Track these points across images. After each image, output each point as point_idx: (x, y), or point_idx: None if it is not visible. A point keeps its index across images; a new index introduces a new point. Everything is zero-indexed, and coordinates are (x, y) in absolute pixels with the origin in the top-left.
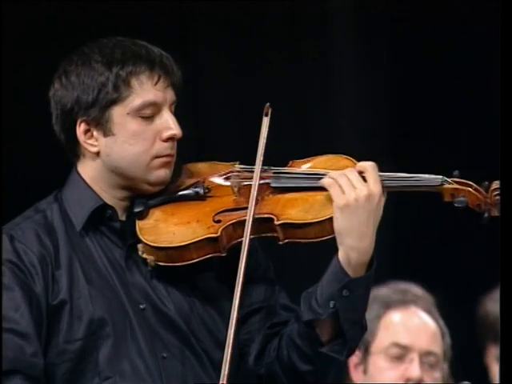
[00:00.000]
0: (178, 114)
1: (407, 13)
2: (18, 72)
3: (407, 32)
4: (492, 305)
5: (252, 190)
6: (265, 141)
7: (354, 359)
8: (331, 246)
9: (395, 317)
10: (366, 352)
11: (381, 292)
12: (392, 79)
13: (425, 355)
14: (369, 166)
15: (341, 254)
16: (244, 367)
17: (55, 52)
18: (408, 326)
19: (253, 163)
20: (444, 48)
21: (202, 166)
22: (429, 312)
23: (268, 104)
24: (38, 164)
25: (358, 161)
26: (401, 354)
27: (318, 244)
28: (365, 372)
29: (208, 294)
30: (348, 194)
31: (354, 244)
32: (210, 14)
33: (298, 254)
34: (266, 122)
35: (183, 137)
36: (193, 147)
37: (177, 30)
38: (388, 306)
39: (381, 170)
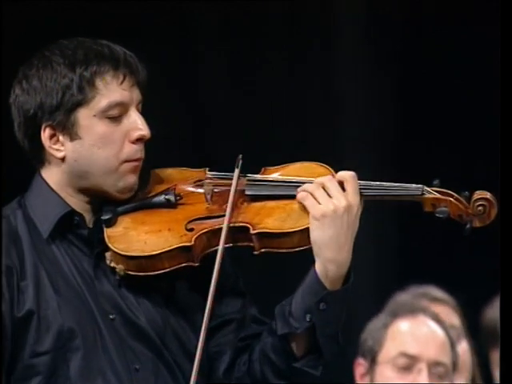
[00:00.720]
0: (177, 114)
1: (413, 13)
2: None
3: (411, 32)
4: (496, 312)
5: (230, 198)
6: (234, 190)
7: (360, 369)
8: (304, 257)
9: (403, 326)
10: (373, 362)
11: (401, 298)
12: (396, 80)
13: (433, 365)
14: (348, 176)
15: (318, 266)
16: (213, 380)
17: None
18: (416, 336)
19: (252, 164)
20: (452, 51)
21: (171, 172)
22: (438, 321)
23: (240, 156)
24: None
25: (345, 167)
26: (409, 364)
27: (291, 254)
28: (372, 382)
29: (180, 304)
30: (325, 204)
31: (332, 256)
32: (210, 13)
33: (268, 265)
34: (236, 173)
35: (152, 137)
36: (192, 148)
37: (177, 29)
38: (395, 314)
39: (382, 175)
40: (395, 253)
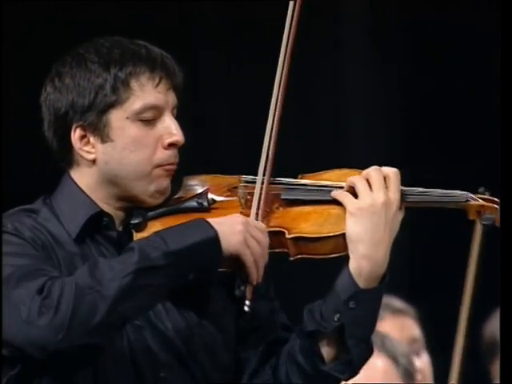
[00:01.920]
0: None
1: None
2: (18, 72)
3: (418, 35)
4: (495, 326)
5: (255, 197)
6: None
7: None
8: (337, 265)
9: None
10: None
11: None
12: (401, 81)
13: None
14: (391, 173)
15: (352, 263)
16: None
17: (55, 53)
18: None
19: (253, 167)
20: (452, 52)
21: (204, 178)
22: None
23: None
24: (35, 164)
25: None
26: None
27: (323, 262)
28: None
29: (209, 312)
30: (362, 198)
31: (367, 252)
32: (210, 13)
33: (301, 272)
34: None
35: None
36: (192, 150)
37: (177, 30)
38: None
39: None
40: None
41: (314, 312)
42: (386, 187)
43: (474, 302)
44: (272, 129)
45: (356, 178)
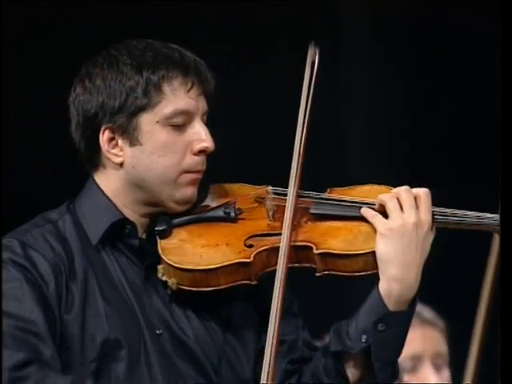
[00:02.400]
0: None
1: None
2: (18, 72)
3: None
4: None
5: (286, 212)
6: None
7: None
8: (364, 283)
9: None
10: None
11: None
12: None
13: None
14: (422, 193)
15: (382, 285)
16: None
17: (55, 53)
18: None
19: (253, 168)
20: (453, 52)
21: (231, 187)
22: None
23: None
24: (35, 164)
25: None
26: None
27: (351, 279)
28: None
29: (232, 324)
30: (393, 218)
31: (398, 275)
32: (210, 13)
33: (326, 288)
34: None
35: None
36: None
37: (176, 30)
38: None
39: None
40: None
41: (341, 332)
42: (417, 207)
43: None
44: (301, 141)
45: (386, 198)
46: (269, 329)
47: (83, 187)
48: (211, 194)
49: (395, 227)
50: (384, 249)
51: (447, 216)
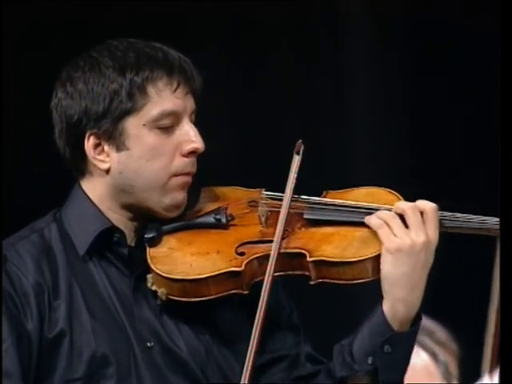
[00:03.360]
0: None
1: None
2: (18, 73)
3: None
4: None
5: (279, 220)
6: (294, 182)
7: None
8: (361, 290)
9: None
10: None
11: None
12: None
13: None
14: (430, 209)
15: (386, 305)
16: None
17: (55, 53)
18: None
19: (252, 171)
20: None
21: (223, 191)
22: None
23: (300, 141)
24: (35, 164)
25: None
26: None
27: (348, 287)
28: None
29: (225, 334)
30: (401, 237)
31: (403, 296)
32: (210, 13)
33: (322, 297)
34: (296, 161)
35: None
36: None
37: (176, 29)
38: None
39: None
40: None
41: (344, 353)
42: (424, 223)
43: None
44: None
45: (389, 216)
46: (253, 330)
47: (69, 195)
48: (202, 198)
49: (404, 248)
50: (391, 270)
51: (453, 220)
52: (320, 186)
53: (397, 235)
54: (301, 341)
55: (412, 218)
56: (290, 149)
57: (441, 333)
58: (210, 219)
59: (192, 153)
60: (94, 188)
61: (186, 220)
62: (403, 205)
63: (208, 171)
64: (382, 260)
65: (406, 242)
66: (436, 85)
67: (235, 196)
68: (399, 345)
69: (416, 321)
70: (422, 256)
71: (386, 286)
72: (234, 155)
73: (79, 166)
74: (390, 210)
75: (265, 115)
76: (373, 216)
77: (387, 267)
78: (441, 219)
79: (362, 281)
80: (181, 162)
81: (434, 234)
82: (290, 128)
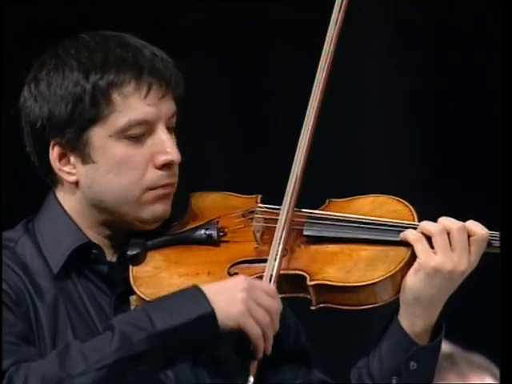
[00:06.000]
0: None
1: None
2: (18, 72)
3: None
4: None
5: (274, 239)
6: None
7: None
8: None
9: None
10: None
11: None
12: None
13: None
14: (480, 235)
15: (404, 320)
16: None
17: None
18: None
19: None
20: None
21: (214, 199)
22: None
23: None
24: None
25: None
26: None
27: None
28: None
29: (216, 361)
30: (442, 258)
31: (422, 314)
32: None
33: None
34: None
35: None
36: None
37: (176, 29)
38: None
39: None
40: None
41: (363, 377)
42: (469, 246)
43: None
44: (301, 156)
45: (435, 229)
46: None
47: (43, 204)
48: (191, 206)
49: (442, 270)
50: (419, 287)
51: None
52: (324, 195)
53: (438, 254)
54: (311, 366)
55: (459, 240)
56: (290, 150)
57: (478, 357)
58: (200, 234)
59: (166, 165)
60: (66, 200)
61: (173, 233)
62: (449, 222)
63: (205, 175)
64: (413, 274)
65: (446, 264)
66: (444, 87)
67: (228, 204)
68: (425, 359)
69: (437, 332)
70: (457, 281)
71: (407, 301)
72: (232, 156)
73: (48, 175)
74: (402, 225)
75: (264, 115)
76: (410, 230)
77: (416, 284)
78: (489, 239)
79: (370, 307)
80: (155, 175)
81: (475, 261)
82: (289, 127)
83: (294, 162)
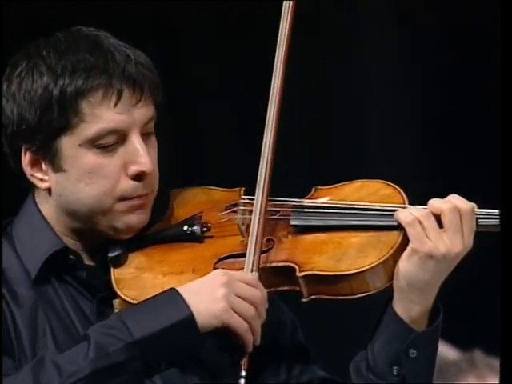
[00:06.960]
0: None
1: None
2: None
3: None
4: None
5: (253, 220)
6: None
7: None
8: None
9: None
10: None
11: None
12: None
13: None
14: (468, 211)
15: (399, 306)
16: None
17: None
18: None
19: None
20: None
21: (197, 193)
22: None
23: None
24: None
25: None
26: None
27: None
28: None
29: (205, 363)
30: (435, 242)
31: (417, 299)
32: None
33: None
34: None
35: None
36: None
37: (176, 29)
38: None
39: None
40: None
41: (362, 370)
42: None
43: None
44: (270, 135)
45: (424, 215)
46: None
47: (22, 206)
48: (173, 204)
49: (436, 255)
50: (413, 272)
51: (492, 218)
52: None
53: (430, 238)
54: (310, 364)
55: (451, 221)
56: (289, 149)
57: (478, 353)
58: (183, 231)
59: (140, 175)
60: (43, 205)
61: (154, 232)
62: (441, 204)
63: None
64: (406, 259)
65: (440, 248)
66: (445, 81)
67: (211, 199)
68: (424, 346)
69: (435, 317)
70: (452, 264)
71: (401, 286)
72: (232, 155)
73: (24, 178)
74: (393, 209)
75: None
76: (404, 210)
77: (410, 269)
78: (477, 218)
79: (363, 295)
80: (127, 186)
81: (469, 241)
82: (288, 128)
83: (263, 152)
